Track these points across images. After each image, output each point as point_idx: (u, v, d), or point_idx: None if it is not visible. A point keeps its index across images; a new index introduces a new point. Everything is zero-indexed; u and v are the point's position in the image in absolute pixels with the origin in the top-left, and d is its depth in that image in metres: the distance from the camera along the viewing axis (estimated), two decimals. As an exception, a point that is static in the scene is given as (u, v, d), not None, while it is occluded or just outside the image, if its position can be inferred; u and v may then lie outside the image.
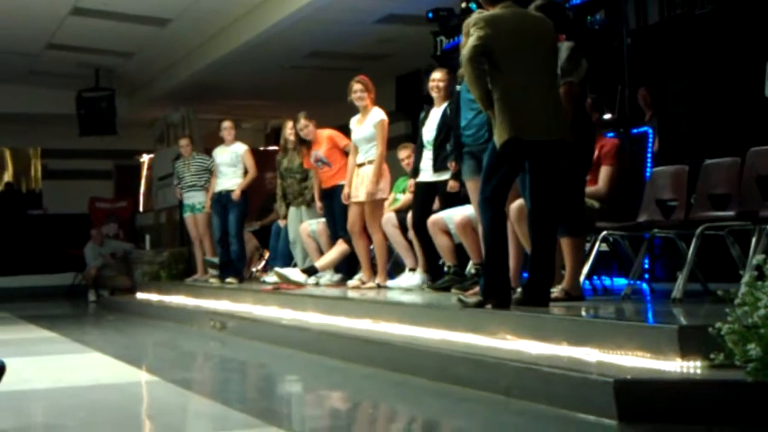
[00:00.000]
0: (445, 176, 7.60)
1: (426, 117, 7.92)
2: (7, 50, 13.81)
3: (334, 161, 9.07)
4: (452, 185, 7.46)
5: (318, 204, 9.45)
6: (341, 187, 8.68)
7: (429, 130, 7.80)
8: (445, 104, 7.64)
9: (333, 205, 9.03)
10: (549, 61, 5.70)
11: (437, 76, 7.81)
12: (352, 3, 10.60)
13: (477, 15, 5.78)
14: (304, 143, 9.43)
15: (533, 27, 5.72)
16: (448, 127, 7.45)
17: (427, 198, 7.85)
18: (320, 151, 9.22)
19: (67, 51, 13.75)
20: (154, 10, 11.90)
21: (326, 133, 9.27)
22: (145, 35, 12.97)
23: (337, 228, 9.07)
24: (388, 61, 13.06)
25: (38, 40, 13.28)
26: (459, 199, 7.51)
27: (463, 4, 9.53)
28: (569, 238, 5.77)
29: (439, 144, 7.69)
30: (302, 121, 9.36)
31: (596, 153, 6.58)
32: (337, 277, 9.30)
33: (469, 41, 5.61)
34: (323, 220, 9.43)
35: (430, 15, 10.38)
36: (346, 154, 8.90)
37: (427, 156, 7.81)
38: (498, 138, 5.54)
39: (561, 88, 5.68)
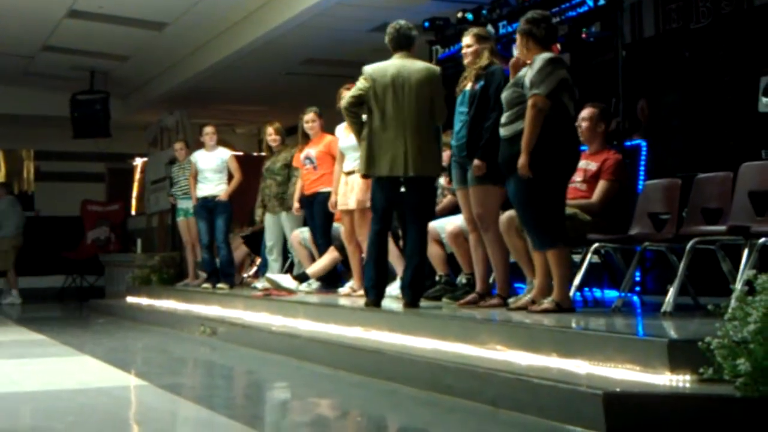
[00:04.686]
0: None
1: None
2: (2, 51, 13.78)
3: (320, 165, 8.99)
4: None
5: (296, 205, 9.41)
6: (321, 194, 8.71)
7: None
8: None
9: (313, 212, 9.01)
10: (421, 107, 6.61)
11: None
12: (349, 11, 10.61)
13: (366, 66, 6.81)
14: (306, 138, 9.39)
15: (411, 77, 6.65)
16: None
17: None
18: (313, 149, 9.16)
19: (63, 53, 13.74)
20: (151, 14, 11.90)
21: (329, 138, 9.09)
22: (141, 39, 12.96)
23: (316, 235, 9.05)
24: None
25: (34, 41, 13.26)
26: None
27: (459, 14, 9.57)
28: (552, 250, 5.74)
29: None
30: (310, 115, 9.25)
31: (597, 166, 6.57)
32: (316, 284, 9.24)
33: (350, 91, 6.85)
34: (312, 227, 9.39)
35: (426, 24, 10.40)
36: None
37: None
38: (358, 171, 6.99)
39: (529, 101, 5.67)
